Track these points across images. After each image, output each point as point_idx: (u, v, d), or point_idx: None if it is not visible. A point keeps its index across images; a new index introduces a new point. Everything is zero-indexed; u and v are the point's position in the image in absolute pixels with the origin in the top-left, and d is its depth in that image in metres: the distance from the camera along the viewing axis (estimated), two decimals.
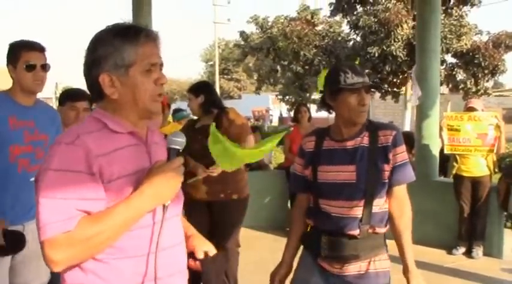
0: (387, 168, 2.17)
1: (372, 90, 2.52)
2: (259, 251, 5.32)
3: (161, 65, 1.46)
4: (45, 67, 2.63)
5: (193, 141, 3.75)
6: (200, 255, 1.61)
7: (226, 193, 3.74)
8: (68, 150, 1.33)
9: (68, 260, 1.30)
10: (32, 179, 1.46)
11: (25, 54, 2.57)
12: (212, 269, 1.61)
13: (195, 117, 4.08)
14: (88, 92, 1.50)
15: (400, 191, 2.23)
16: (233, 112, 3.81)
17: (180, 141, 1.44)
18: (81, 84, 1.82)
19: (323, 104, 2.29)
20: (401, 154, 2.18)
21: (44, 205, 1.28)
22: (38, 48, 2.63)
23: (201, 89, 3.86)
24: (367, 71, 13.91)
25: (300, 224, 2.39)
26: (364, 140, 2.20)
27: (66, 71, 62.91)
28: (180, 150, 1.44)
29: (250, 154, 3.65)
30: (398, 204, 2.22)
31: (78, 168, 1.31)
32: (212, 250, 1.65)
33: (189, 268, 1.60)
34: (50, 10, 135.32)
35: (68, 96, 3.14)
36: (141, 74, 1.41)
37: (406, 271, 2.20)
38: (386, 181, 2.18)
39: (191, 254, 1.62)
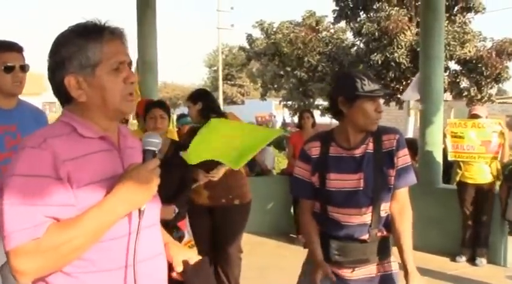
0: (392, 172, 2.18)
1: None
2: (262, 257, 5.27)
3: (129, 63, 1.39)
4: (24, 68, 2.52)
5: None
6: (179, 268, 1.48)
7: (228, 198, 3.74)
8: (33, 154, 1.25)
9: (36, 270, 1.21)
10: None
11: (3, 55, 2.46)
12: (195, 280, 1.47)
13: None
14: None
15: (402, 194, 2.23)
16: (232, 116, 3.83)
17: (155, 142, 1.35)
18: None
19: (330, 110, 2.27)
20: (403, 157, 2.20)
21: (9, 213, 1.20)
22: (16, 49, 2.51)
23: (199, 96, 3.88)
24: None
25: (315, 224, 2.30)
26: (369, 146, 2.20)
27: None
28: (156, 151, 1.36)
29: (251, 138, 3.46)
30: (399, 206, 2.22)
31: (45, 173, 1.23)
32: (193, 258, 1.52)
33: (171, 280, 1.48)
34: (52, 13, 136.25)
35: None
36: (109, 74, 1.33)
37: (405, 273, 2.16)
38: (392, 185, 2.19)
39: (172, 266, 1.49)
